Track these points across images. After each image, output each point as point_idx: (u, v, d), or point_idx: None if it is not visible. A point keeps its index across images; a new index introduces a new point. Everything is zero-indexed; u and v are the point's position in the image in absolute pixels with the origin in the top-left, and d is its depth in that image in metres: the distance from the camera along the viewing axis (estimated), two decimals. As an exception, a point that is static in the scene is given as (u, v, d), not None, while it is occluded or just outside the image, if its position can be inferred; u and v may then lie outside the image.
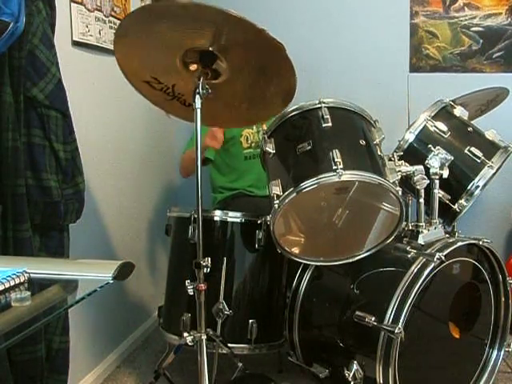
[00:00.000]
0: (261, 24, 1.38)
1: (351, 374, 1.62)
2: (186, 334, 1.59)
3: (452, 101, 1.97)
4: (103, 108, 2.15)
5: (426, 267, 1.59)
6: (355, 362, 1.64)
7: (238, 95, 1.65)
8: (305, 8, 2.77)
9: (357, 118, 1.73)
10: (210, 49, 1.47)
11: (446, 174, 1.77)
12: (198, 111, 1.49)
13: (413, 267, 1.61)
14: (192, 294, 1.54)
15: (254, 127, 2.42)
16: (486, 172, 1.81)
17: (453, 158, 1.79)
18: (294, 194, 1.55)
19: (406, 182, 1.75)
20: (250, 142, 2.42)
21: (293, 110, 1.72)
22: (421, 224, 1.78)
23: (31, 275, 0.98)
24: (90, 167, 1.96)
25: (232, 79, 1.57)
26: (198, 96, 1.48)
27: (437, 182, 1.77)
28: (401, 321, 1.53)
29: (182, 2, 1.40)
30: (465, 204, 1.83)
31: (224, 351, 1.76)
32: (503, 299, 1.88)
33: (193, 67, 1.54)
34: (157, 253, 2.68)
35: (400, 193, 1.60)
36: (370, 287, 1.73)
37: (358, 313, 1.63)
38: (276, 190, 1.60)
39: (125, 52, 1.57)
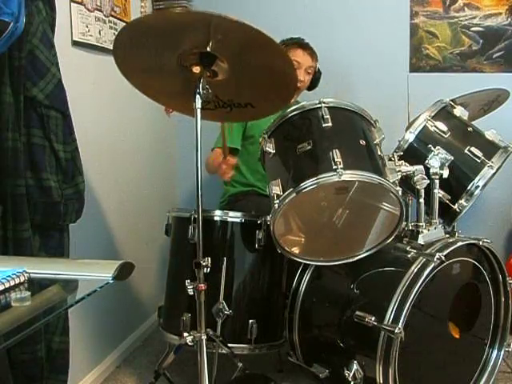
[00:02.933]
0: (261, 25, 1.38)
1: (351, 374, 1.62)
2: (186, 334, 1.59)
3: (452, 100, 1.97)
4: (103, 108, 2.15)
5: (426, 267, 1.59)
6: (355, 361, 1.64)
7: (240, 91, 1.65)
8: (305, 9, 2.76)
9: (357, 118, 1.73)
10: (208, 50, 1.47)
11: (446, 174, 1.77)
12: (198, 111, 1.49)
13: (413, 267, 1.61)
14: (192, 293, 1.54)
15: None
16: (486, 172, 1.81)
17: (453, 158, 1.79)
18: (294, 194, 1.55)
19: (406, 181, 1.75)
20: None
21: (293, 110, 1.72)
22: (421, 224, 1.78)
23: (31, 275, 0.98)
24: (90, 167, 1.96)
25: (233, 77, 1.58)
26: (198, 96, 1.48)
27: (437, 182, 1.77)
28: (401, 321, 1.53)
29: (176, 11, 1.42)
30: (465, 204, 1.83)
31: (224, 351, 1.76)
32: (503, 299, 1.88)
33: (195, 69, 1.54)
34: (157, 253, 2.68)
35: (400, 193, 1.60)
36: (370, 287, 1.73)
37: (358, 313, 1.63)
38: (276, 189, 1.60)
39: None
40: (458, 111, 1.94)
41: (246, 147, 2.41)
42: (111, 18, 2.14)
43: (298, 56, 2.35)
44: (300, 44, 2.39)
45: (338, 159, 1.53)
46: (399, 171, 1.68)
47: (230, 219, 1.89)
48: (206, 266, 1.52)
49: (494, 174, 1.83)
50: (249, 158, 2.42)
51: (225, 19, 1.34)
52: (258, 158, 2.39)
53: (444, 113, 1.93)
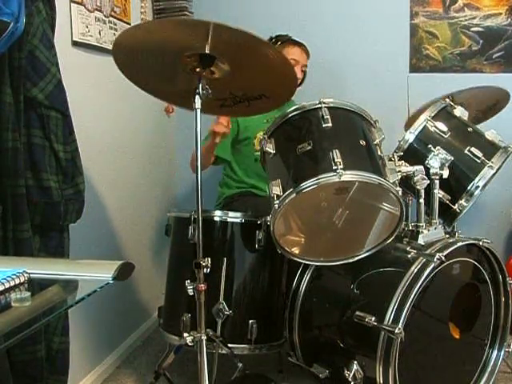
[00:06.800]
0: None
1: (351, 374, 1.62)
2: (186, 335, 1.59)
3: (451, 96, 1.97)
4: (103, 108, 2.15)
5: (426, 267, 1.59)
6: (355, 362, 1.64)
7: (238, 89, 1.66)
8: (304, 9, 2.76)
9: (357, 118, 1.73)
10: (208, 52, 1.47)
11: (446, 174, 1.77)
12: (198, 111, 1.49)
13: (413, 267, 1.61)
14: (192, 294, 1.54)
15: None
16: (486, 172, 1.81)
17: (453, 159, 1.79)
18: (294, 195, 1.55)
19: (406, 182, 1.75)
20: None
21: (293, 110, 1.72)
22: (421, 224, 1.78)
23: (31, 275, 0.98)
24: (90, 167, 1.96)
25: (231, 77, 1.58)
26: (197, 96, 1.48)
27: (437, 182, 1.77)
28: (401, 321, 1.53)
29: (177, 18, 1.43)
30: (465, 204, 1.83)
31: (224, 351, 1.76)
32: (503, 299, 1.88)
33: (195, 70, 1.55)
34: (157, 253, 2.68)
35: (400, 193, 1.60)
36: (370, 287, 1.73)
37: (358, 313, 1.63)
38: (276, 190, 1.60)
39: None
40: (458, 111, 1.95)
41: (241, 149, 2.41)
42: (111, 19, 2.14)
43: (296, 54, 2.35)
44: (296, 42, 2.39)
45: (338, 159, 1.53)
46: (399, 171, 1.68)
47: (229, 219, 1.89)
48: (206, 267, 1.52)
49: (494, 174, 1.83)
50: (244, 159, 2.42)
51: (222, 27, 1.35)
52: (254, 159, 2.40)
53: (444, 113, 1.93)
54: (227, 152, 2.36)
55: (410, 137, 1.88)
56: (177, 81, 1.62)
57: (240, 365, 1.75)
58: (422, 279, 1.57)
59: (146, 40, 1.45)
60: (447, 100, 1.97)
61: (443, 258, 1.59)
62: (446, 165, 1.78)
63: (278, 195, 1.59)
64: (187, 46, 1.47)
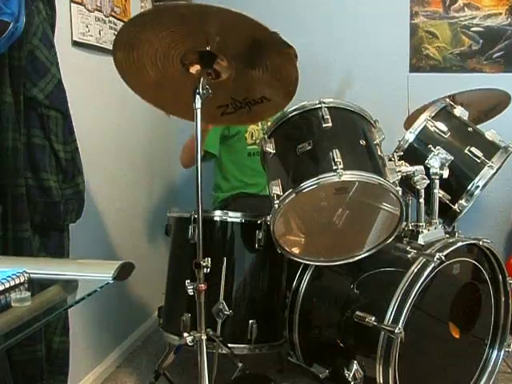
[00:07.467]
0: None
1: (351, 374, 1.62)
2: (185, 334, 1.59)
3: (452, 96, 1.97)
4: (103, 108, 2.15)
5: (426, 267, 1.59)
6: (355, 362, 1.64)
7: (239, 93, 1.65)
8: (305, 9, 2.77)
9: (357, 118, 1.73)
10: (208, 49, 1.47)
11: (446, 174, 1.77)
12: (198, 111, 1.48)
13: (413, 267, 1.61)
14: (192, 294, 1.54)
15: (260, 124, 2.41)
16: (486, 172, 1.81)
17: (453, 158, 1.79)
18: (294, 194, 1.55)
19: (406, 182, 1.75)
20: (254, 138, 2.41)
21: (293, 110, 1.71)
22: (421, 224, 1.78)
23: (31, 275, 0.98)
24: (90, 167, 1.96)
25: (233, 77, 1.58)
26: (198, 96, 1.48)
27: (437, 182, 1.77)
28: (401, 321, 1.53)
29: (184, 3, 1.40)
30: (465, 204, 1.83)
31: (224, 351, 1.76)
32: (503, 299, 1.87)
33: (193, 68, 1.54)
34: (157, 253, 2.68)
35: (400, 193, 1.60)
36: (370, 287, 1.73)
37: (358, 313, 1.63)
38: (276, 190, 1.60)
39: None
40: (458, 111, 1.94)
41: (232, 145, 2.41)
42: (111, 18, 2.15)
43: None
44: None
45: (338, 159, 1.53)
46: (399, 171, 1.68)
47: (229, 219, 1.89)
48: (206, 267, 1.52)
49: (494, 174, 1.83)
50: (236, 154, 2.42)
51: (223, 11, 1.34)
52: (246, 153, 2.40)
53: (444, 113, 1.92)
54: (215, 147, 2.34)
55: (410, 137, 1.88)
56: (176, 86, 1.61)
57: (240, 365, 1.76)
58: (422, 279, 1.56)
59: (147, 36, 1.44)
60: (447, 100, 1.97)
61: (443, 257, 1.59)
62: (446, 165, 1.78)
63: (277, 195, 1.59)
64: (189, 42, 1.46)
